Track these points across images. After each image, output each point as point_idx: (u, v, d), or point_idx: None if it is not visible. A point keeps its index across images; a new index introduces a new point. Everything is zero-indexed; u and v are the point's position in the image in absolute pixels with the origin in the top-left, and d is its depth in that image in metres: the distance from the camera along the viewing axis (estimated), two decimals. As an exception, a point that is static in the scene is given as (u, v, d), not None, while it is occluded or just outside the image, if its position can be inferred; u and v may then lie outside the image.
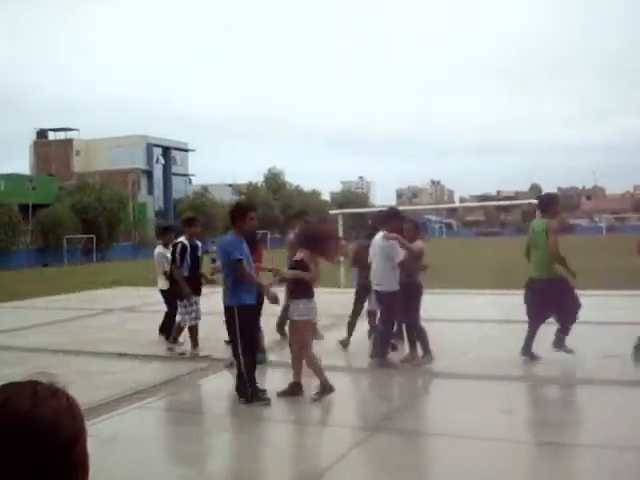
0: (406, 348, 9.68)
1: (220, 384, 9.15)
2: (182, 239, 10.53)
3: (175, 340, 10.60)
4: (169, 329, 11.38)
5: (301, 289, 7.76)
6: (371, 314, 11.08)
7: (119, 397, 7.90)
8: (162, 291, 11.94)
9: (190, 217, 11.80)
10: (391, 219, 9.49)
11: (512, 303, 15.46)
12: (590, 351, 9.51)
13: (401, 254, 9.05)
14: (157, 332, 11.99)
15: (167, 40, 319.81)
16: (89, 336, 12.71)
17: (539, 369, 8.73)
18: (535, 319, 9.16)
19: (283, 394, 7.72)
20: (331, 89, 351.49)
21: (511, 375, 8.43)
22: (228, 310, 7.62)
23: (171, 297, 11.41)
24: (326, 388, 7.59)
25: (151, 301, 17.70)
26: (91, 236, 53.93)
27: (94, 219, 54.81)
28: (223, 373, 9.37)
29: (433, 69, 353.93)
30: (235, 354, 7.64)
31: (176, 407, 8.10)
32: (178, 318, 10.62)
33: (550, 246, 8.85)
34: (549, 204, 9.37)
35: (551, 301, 9.00)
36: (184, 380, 8.92)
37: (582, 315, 9.07)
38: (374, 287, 9.51)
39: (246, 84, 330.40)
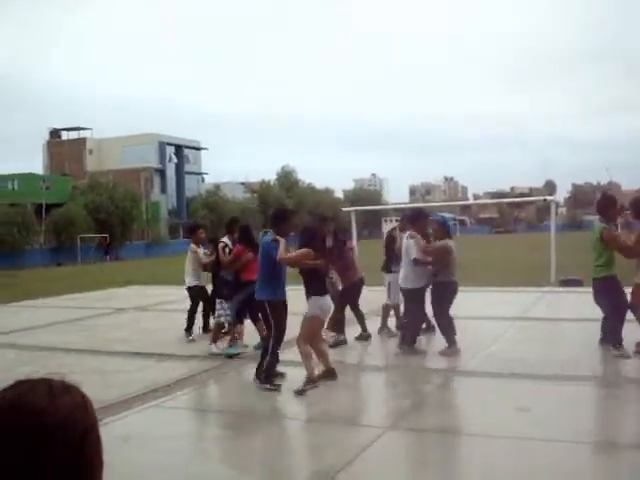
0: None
1: (234, 382, 9.14)
2: (225, 239, 10.92)
3: (215, 341, 10.51)
4: (190, 325, 11.91)
5: (318, 285, 8.15)
6: (385, 309, 11.45)
7: (133, 396, 7.90)
8: (189, 288, 12.22)
9: (234, 218, 12.08)
10: (417, 220, 10.10)
11: (527, 300, 15.44)
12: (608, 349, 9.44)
13: (416, 251, 9.62)
14: (170, 331, 12.43)
15: (171, 39, 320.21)
16: (103, 335, 12.74)
17: (554, 367, 8.65)
18: (609, 315, 9.47)
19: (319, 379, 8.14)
20: (343, 86, 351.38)
21: (527, 373, 8.37)
22: (268, 304, 8.21)
23: (196, 294, 12.02)
24: (312, 381, 8.03)
25: (165, 300, 17.78)
26: (105, 235, 54.12)
27: (107, 218, 54.99)
28: (237, 371, 9.37)
29: (446, 65, 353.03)
30: (268, 341, 8.23)
31: (190, 406, 8.09)
32: (217, 316, 10.68)
33: (620, 251, 9.24)
34: (605, 207, 9.60)
35: (601, 301, 9.44)
36: (198, 379, 8.90)
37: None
38: (400, 284, 9.99)
39: (257, 82, 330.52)
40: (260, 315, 8.76)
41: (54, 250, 51.40)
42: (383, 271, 11.49)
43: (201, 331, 12.14)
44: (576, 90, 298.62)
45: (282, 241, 8.12)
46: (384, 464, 5.73)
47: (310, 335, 8.18)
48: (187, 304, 12.17)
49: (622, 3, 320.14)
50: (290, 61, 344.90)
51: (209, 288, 11.86)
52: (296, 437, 6.80)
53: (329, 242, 10.35)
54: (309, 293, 8.15)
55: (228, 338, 10.45)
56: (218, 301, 10.60)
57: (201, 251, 12.04)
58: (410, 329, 9.96)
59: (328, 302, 8.26)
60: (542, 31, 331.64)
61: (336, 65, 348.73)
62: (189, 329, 11.90)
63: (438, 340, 10.10)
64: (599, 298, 9.45)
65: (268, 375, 8.15)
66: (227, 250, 10.62)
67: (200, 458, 6.06)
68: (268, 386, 8.05)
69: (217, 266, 10.75)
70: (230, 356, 10.00)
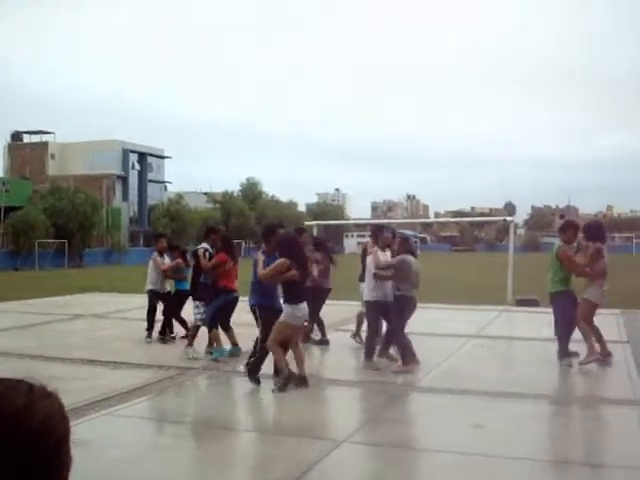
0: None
1: (190, 392, 9.10)
2: (205, 245, 11.15)
3: (191, 344, 10.78)
4: (150, 325, 12.34)
5: (294, 294, 8.49)
6: (359, 317, 11.91)
7: (87, 403, 7.80)
8: (148, 292, 12.64)
9: (212, 226, 12.38)
10: (378, 234, 10.45)
11: (484, 319, 15.60)
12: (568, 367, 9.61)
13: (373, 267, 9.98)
14: (127, 338, 12.61)
15: (139, 46, 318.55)
16: (58, 341, 12.58)
17: (508, 384, 8.77)
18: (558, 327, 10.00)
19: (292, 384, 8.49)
20: (308, 101, 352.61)
21: (481, 390, 8.45)
22: (253, 309, 8.84)
23: (150, 297, 12.51)
24: (287, 382, 8.39)
25: (122, 308, 17.62)
26: (63, 240, 53.42)
27: (66, 224, 54.30)
28: (193, 381, 9.34)
29: (411, 86, 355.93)
30: (257, 342, 8.77)
31: (145, 415, 8.03)
32: (193, 320, 10.97)
33: (572, 270, 9.90)
34: (564, 229, 10.34)
35: (554, 314, 10.02)
36: (153, 388, 8.84)
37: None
38: (364, 297, 10.48)
39: (226, 92, 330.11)
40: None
41: (11, 254, 50.55)
42: (359, 281, 11.98)
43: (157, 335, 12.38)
44: (538, 113, 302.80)
45: (260, 260, 8.69)
46: (337, 477, 5.76)
47: (278, 338, 8.51)
48: (144, 313, 12.42)
49: (603, 25, 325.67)
50: (258, 73, 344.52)
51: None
52: (250, 448, 6.78)
53: (308, 251, 10.79)
54: (285, 301, 8.57)
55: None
56: (195, 304, 10.82)
57: (162, 259, 12.48)
58: (368, 340, 10.29)
59: (302, 311, 8.56)
60: (506, 52, 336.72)
61: (305, 80, 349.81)
62: (148, 330, 12.29)
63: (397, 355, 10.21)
64: (554, 310, 10.03)
65: (252, 370, 8.64)
66: (207, 255, 10.80)
67: (152, 467, 6.02)
68: (249, 379, 8.63)
69: (198, 271, 10.95)
70: (215, 360, 10.29)
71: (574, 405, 8.28)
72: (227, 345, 10.60)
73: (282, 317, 8.48)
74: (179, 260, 12.33)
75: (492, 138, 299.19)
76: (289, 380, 8.41)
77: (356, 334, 11.85)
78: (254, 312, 8.87)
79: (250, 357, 8.84)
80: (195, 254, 11.18)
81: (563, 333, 9.84)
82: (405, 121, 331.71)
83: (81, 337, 13.10)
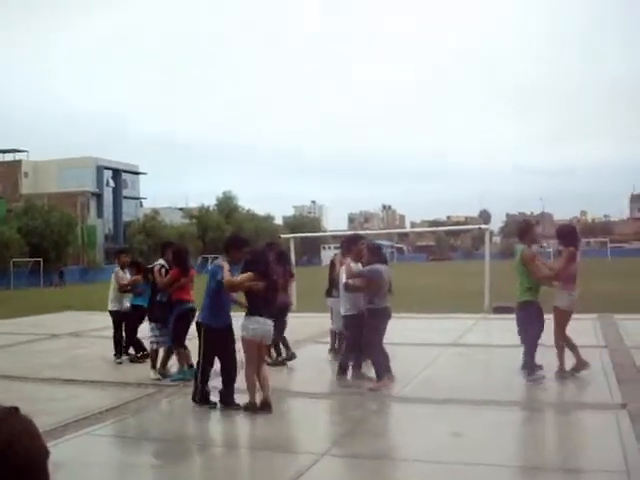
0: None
1: (167, 410, 9.05)
2: (161, 262, 10.81)
3: (154, 366, 10.37)
4: (118, 347, 12.07)
5: (253, 306, 8.24)
6: (332, 335, 11.80)
7: (64, 424, 7.72)
8: (111, 312, 12.44)
9: (168, 242, 12.07)
10: (351, 245, 10.16)
11: (461, 327, 15.66)
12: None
13: (345, 277, 9.76)
14: (104, 357, 12.45)
15: (113, 59, 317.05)
16: (34, 361, 12.46)
17: (487, 392, 8.80)
18: (523, 340, 9.63)
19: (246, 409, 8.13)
20: (283, 113, 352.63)
21: (460, 398, 8.47)
22: (198, 326, 8.55)
23: (115, 318, 12.28)
24: (249, 408, 8.08)
25: (99, 326, 17.47)
26: (39, 259, 53.01)
27: (41, 242, 53.92)
28: (170, 399, 9.28)
29: (387, 94, 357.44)
30: (198, 364, 8.47)
31: (122, 433, 7.96)
32: (151, 341, 10.59)
33: (533, 274, 9.41)
34: (523, 231, 9.94)
35: (518, 324, 9.63)
36: (131, 406, 8.77)
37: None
38: (340, 312, 10.09)
39: (200, 108, 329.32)
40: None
41: (-15, 274, 50.12)
42: (326, 296, 11.74)
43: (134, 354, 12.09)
44: (511, 122, 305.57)
45: (225, 266, 8.32)
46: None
47: (248, 358, 8.23)
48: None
49: (576, 29, 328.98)
50: (232, 88, 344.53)
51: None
52: (229, 465, 6.74)
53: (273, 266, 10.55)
54: (248, 312, 8.30)
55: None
56: (151, 326, 10.53)
57: (123, 274, 12.26)
58: (344, 355, 10.03)
59: (256, 324, 8.15)
60: (478, 62, 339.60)
61: (279, 93, 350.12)
62: (118, 354, 12.03)
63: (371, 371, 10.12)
64: (517, 321, 9.69)
65: (202, 398, 8.39)
66: (163, 271, 10.56)
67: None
68: (207, 405, 8.35)
69: (155, 290, 10.63)
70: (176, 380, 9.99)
71: (553, 411, 8.34)
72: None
73: (244, 333, 8.19)
74: (138, 276, 11.89)
75: (466, 148, 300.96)
76: (253, 406, 8.08)
77: (332, 349, 11.74)
78: (198, 329, 8.53)
79: (194, 389, 8.51)
80: (151, 271, 10.86)
81: (528, 347, 9.47)
82: (380, 133, 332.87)
83: (58, 357, 12.98)
